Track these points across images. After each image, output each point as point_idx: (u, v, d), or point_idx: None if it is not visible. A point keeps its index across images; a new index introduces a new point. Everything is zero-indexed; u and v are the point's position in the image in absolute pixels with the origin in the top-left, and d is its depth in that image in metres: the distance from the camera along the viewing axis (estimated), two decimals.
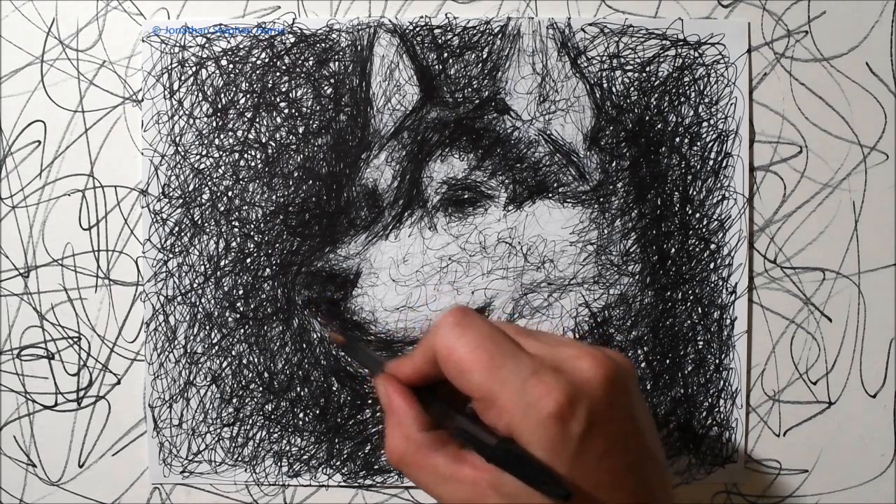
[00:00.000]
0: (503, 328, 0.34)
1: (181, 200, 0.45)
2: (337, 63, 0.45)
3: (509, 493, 0.31)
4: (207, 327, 0.45)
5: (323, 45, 0.45)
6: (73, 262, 0.46)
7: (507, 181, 0.44)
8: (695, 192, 0.45)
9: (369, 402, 0.45)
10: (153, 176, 0.45)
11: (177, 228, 0.45)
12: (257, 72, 0.45)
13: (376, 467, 0.45)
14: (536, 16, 0.45)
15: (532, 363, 0.31)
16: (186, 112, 0.45)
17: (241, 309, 0.45)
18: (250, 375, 0.45)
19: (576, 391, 0.30)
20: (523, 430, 0.30)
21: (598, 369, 0.31)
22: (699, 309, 0.45)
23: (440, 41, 0.44)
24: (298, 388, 0.45)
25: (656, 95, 0.45)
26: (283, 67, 0.45)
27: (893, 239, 0.45)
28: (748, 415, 0.45)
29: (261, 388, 0.45)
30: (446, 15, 0.45)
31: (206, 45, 0.45)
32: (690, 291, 0.45)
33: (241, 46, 0.45)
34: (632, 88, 0.44)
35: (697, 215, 0.45)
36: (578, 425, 0.30)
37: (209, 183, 0.45)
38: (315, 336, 0.45)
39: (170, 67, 0.45)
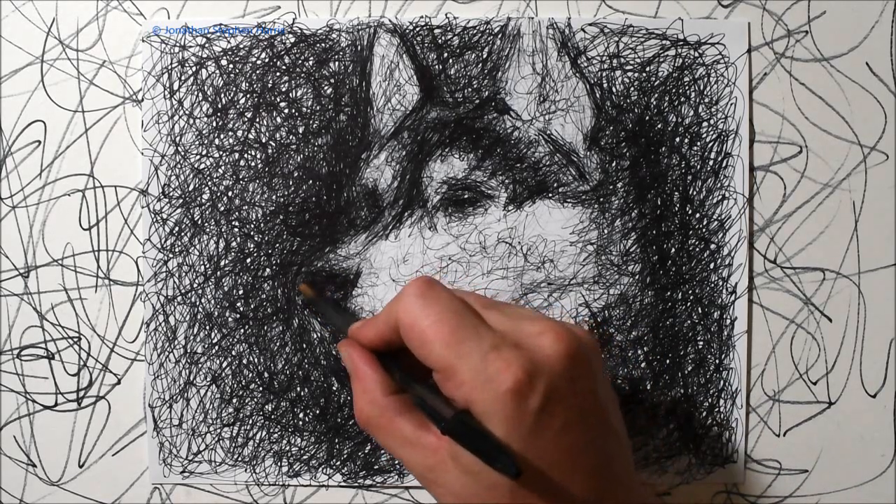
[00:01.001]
0: (468, 299, 0.34)
1: (181, 200, 0.45)
2: (337, 63, 0.45)
3: (466, 464, 0.31)
4: (207, 327, 0.45)
5: (323, 45, 0.45)
6: (73, 262, 0.46)
7: (507, 181, 0.44)
8: (695, 192, 0.45)
9: None
10: (153, 176, 0.45)
11: (177, 228, 0.45)
12: (257, 72, 0.45)
13: (376, 467, 0.45)
14: (536, 16, 0.45)
15: (493, 338, 0.31)
16: (186, 112, 0.45)
17: (241, 309, 0.45)
18: (250, 375, 0.45)
19: (535, 367, 0.30)
20: (481, 404, 0.30)
21: (559, 345, 0.31)
22: (699, 309, 0.45)
23: (440, 41, 0.44)
24: (298, 388, 0.45)
25: (656, 95, 0.45)
26: (283, 67, 0.45)
27: (893, 239, 0.45)
28: (748, 415, 0.45)
29: (261, 388, 0.45)
30: (446, 15, 0.45)
31: (206, 45, 0.45)
32: (690, 291, 0.45)
33: (241, 46, 0.45)
34: (632, 88, 0.44)
35: (697, 215, 0.45)
36: (536, 401, 0.30)
37: (209, 183, 0.45)
38: (315, 336, 0.45)
39: (170, 67, 0.45)
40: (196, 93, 0.45)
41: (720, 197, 0.45)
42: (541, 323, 0.32)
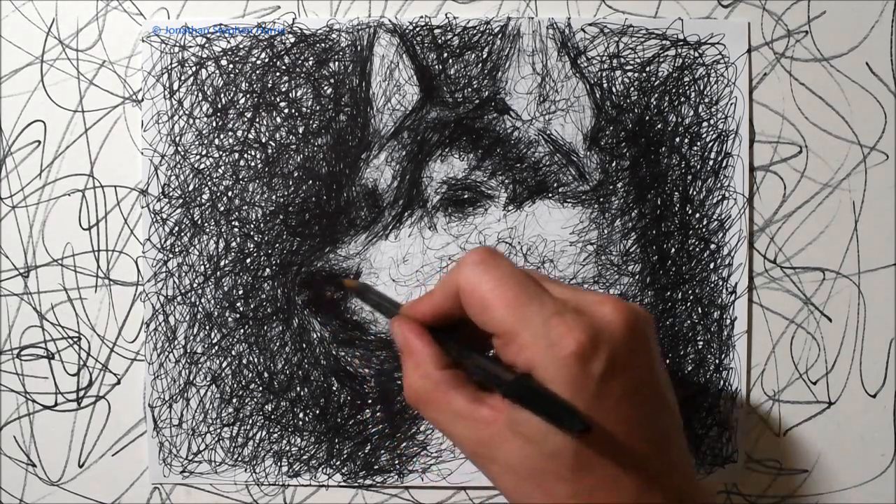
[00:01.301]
0: (527, 271, 0.34)
1: (181, 200, 0.45)
2: (337, 63, 0.45)
3: (526, 432, 0.30)
4: (207, 327, 0.45)
5: (323, 45, 0.45)
6: (73, 262, 0.46)
7: (507, 181, 0.44)
8: (695, 192, 0.45)
9: (369, 402, 0.45)
10: (153, 176, 0.45)
11: (177, 228, 0.45)
12: (257, 72, 0.45)
13: (376, 467, 0.45)
14: (536, 16, 0.45)
15: (555, 304, 0.31)
16: (186, 112, 0.45)
17: (241, 309, 0.45)
18: (250, 375, 0.45)
19: (597, 333, 0.30)
20: (543, 368, 0.30)
21: (619, 315, 0.31)
22: (699, 309, 0.45)
23: (440, 41, 0.44)
24: (298, 388, 0.45)
25: (656, 95, 0.45)
26: (283, 67, 0.45)
27: (893, 239, 0.45)
28: (748, 415, 0.45)
29: (261, 388, 0.45)
30: (446, 15, 0.45)
31: (206, 45, 0.45)
32: (690, 291, 0.45)
33: (241, 46, 0.45)
34: (632, 88, 0.44)
35: (697, 215, 0.45)
36: (599, 366, 0.30)
37: (209, 183, 0.45)
38: (315, 336, 0.45)
39: (170, 67, 0.45)
40: (196, 93, 0.45)
41: (720, 197, 0.45)
42: (600, 294, 0.32)
